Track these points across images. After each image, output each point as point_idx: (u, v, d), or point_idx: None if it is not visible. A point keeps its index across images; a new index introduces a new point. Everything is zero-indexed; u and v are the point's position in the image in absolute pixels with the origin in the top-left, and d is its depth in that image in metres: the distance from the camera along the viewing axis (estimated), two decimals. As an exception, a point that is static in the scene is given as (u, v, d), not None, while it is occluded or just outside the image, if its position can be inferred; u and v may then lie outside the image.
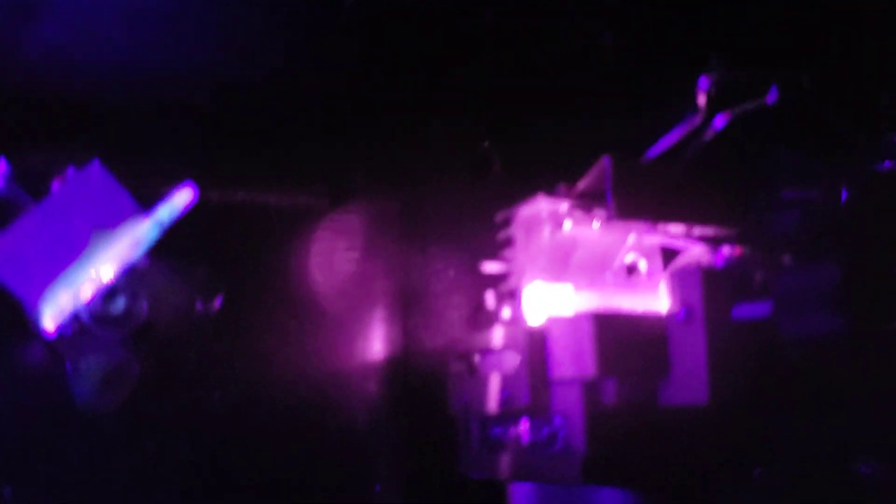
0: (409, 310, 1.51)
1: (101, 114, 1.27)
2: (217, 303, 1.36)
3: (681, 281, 1.16)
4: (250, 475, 1.36)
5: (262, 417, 1.37)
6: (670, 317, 1.17)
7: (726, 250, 1.23)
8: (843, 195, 1.32)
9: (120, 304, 1.27)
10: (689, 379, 1.13)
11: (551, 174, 1.35)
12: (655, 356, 1.16)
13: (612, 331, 1.18)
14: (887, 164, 1.37)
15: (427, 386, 1.45)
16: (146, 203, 1.24)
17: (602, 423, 1.17)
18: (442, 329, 1.48)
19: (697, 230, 1.28)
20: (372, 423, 1.45)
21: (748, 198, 1.32)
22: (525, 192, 1.36)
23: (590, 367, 1.17)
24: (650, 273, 1.37)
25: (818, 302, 1.03)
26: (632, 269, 1.37)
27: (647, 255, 1.37)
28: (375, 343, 1.49)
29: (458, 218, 1.51)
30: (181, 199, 1.21)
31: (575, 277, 1.34)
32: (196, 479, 1.33)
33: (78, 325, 1.25)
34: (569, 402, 1.20)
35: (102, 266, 1.22)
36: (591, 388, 1.18)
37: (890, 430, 1.06)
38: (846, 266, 1.01)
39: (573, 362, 1.20)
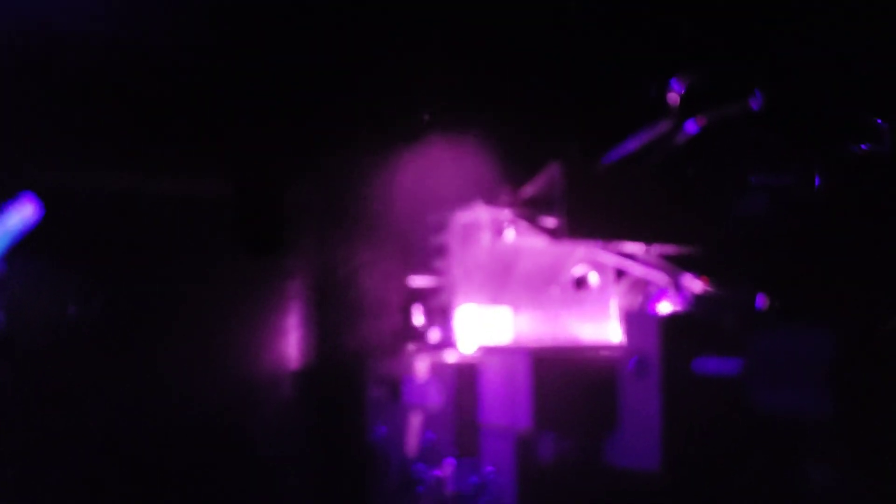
0: (324, 312, 1.32)
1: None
2: (95, 308, 1.16)
3: (634, 326, 0.99)
4: (133, 507, 1.18)
5: (149, 443, 1.18)
6: (621, 365, 0.99)
7: (690, 284, 1.05)
8: (817, 180, 1.18)
9: (-29, 316, 1.06)
10: (640, 439, 0.97)
11: (494, 169, 1.17)
12: (602, 409, 1.00)
13: (552, 375, 1.01)
14: (864, 147, 1.22)
15: (342, 404, 1.27)
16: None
17: (537, 483, 1.01)
18: (362, 338, 1.29)
19: (658, 250, 1.10)
20: (277, 448, 1.27)
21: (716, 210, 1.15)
22: (463, 190, 1.17)
23: (525, 419, 1.00)
24: (601, 286, 1.19)
25: (801, 373, 0.86)
26: (581, 283, 1.19)
27: (598, 267, 1.19)
28: (284, 350, 1.30)
29: (385, 210, 1.31)
30: (24, 214, 0.99)
31: (516, 292, 1.17)
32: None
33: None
34: (501, 456, 1.03)
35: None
36: (525, 442, 1.01)
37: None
38: (841, 335, 0.84)
39: (506, 410, 1.03)
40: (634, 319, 1.00)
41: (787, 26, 1.09)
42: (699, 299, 1.04)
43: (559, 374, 1.01)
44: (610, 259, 1.13)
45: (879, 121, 1.16)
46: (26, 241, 1.06)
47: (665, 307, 1.06)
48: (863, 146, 1.17)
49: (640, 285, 1.18)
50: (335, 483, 1.26)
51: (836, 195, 1.11)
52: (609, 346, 1.12)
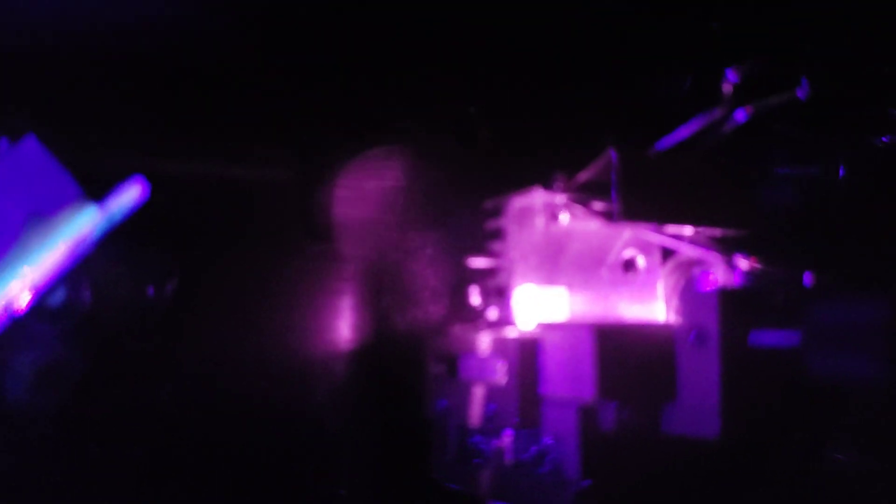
0: (381, 294, 1.38)
1: (37, 80, 1.09)
2: (169, 289, 1.21)
3: (692, 300, 1.05)
4: (204, 479, 1.24)
5: (218, 416, 1.24)
6: (680, 337, 1.05)
7: (743, 263, 1.11)
8: (841, 171, 1.24)
9: (59, 294, 1.12)
10: (699, 408, 1.03)
11: (548, 156, 1.22)
12: (661, 380, 1.06)
13: (614, 347, 1.07)
14: (885, 139, 1.28)
15: (401, 380, 1.32)
16: (90, 185, 1.08)
17: (599, 451, 1.07)
18: (420, 317, 1.35)
19: (710, 233, 1.16)
20: (338, 421, 1.33)
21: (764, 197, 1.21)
22: (518, 175, 1.23)
23: (588, 390, 1.06)
24: (649, 269, 1.25)
25: (858, 340, 0.92)
26: (629, 265, 1.25)
27: (645, 250, 1.25)
28: (343, 330, 1.36)
29: (442, 194, 1.37)
30: (130, 195, 1.05)
31: (569, 273, 1.22)
32: (144, 485, 1.20)
33: (10, 319, 1.10)
34: (562, 425, 1.09)
35: (39, 255, 1.06)
36: (588, 412, 1.07)
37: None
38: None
39: (569, 382, 1.08)
40: (692, 294, 1.05)
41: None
42: (751, 276, 1.10)
43: (620, 346, 1.06)
44: (660, 240, 1.19)
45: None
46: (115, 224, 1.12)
47: (717, 284, 1.12)
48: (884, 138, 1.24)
49: (686, 266, 1.24)
50: (394, 455, 1.32)
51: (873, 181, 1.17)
52: (658, 324, 1.19)
